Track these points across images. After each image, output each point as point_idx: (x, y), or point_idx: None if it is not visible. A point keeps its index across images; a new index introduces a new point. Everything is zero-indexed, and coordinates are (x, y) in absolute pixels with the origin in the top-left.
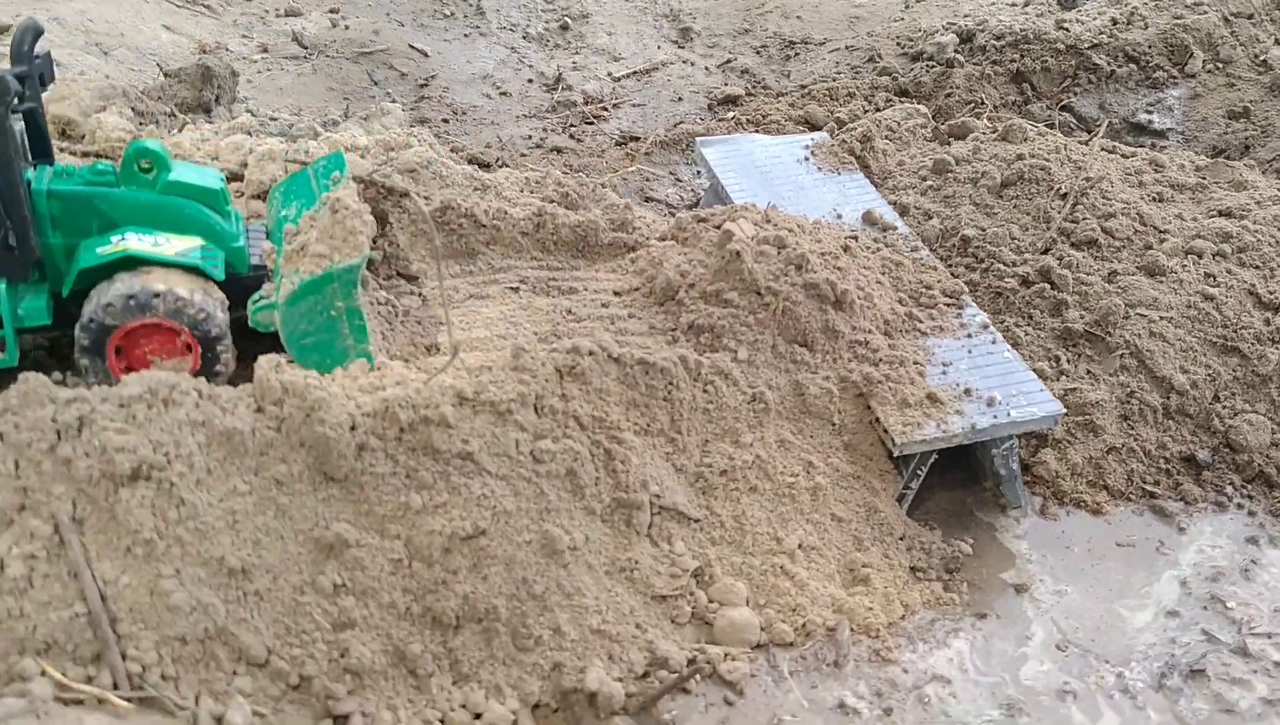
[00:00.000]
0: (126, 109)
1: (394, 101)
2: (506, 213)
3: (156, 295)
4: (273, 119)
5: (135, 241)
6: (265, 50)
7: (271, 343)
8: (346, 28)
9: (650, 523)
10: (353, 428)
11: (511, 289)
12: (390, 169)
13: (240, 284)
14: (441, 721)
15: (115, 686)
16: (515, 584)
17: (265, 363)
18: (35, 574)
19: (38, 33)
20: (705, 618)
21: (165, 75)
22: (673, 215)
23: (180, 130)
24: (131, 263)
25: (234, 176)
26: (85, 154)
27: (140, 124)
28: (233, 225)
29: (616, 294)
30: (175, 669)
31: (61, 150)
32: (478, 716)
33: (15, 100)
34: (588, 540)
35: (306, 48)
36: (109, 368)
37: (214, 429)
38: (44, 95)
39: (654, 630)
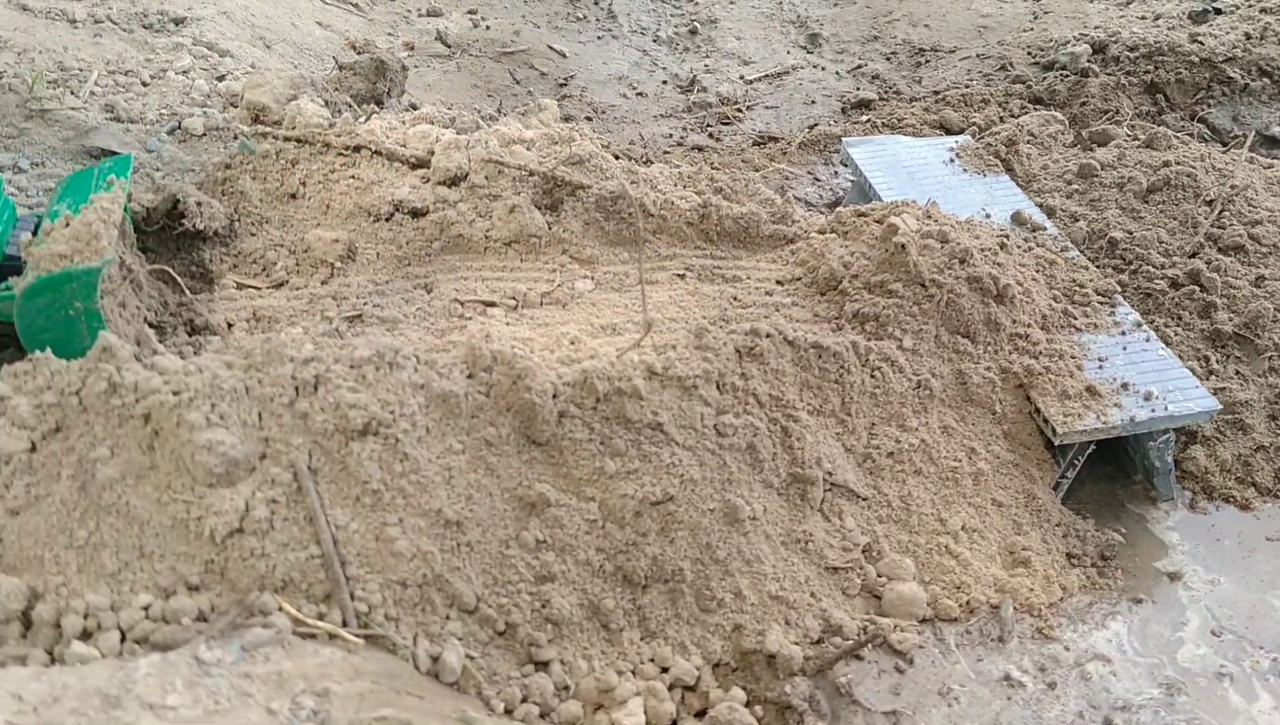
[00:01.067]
0: (317, 98)
1: (550, 98)
2: (673, 203)
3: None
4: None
5: None
6: (411, 48)
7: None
8: (488, 28)
9: (823, 498)
10: (555, 396)
11: (678, 276)
12: (559, 162)
13: None
14: (633, 672)
15: (345, 624)
16: (700, 548)
17: (476, 332)
18: (276, 517)
19: None
20: (874, 591)
21: (340, 68)
22: (820, 213)
23: (368, 119)
24: None
25: (421, 163)
26: (288, 139)
27: (335, 112)
28: None
29: (779, 283)
30: (397, 611)
31: (264, 134)
32: (665, 670)
33: None
34: (766, 511)
35: (450, 46)
36: None
37: (432, 391)
38: (219, 84)
39: (827, 599)
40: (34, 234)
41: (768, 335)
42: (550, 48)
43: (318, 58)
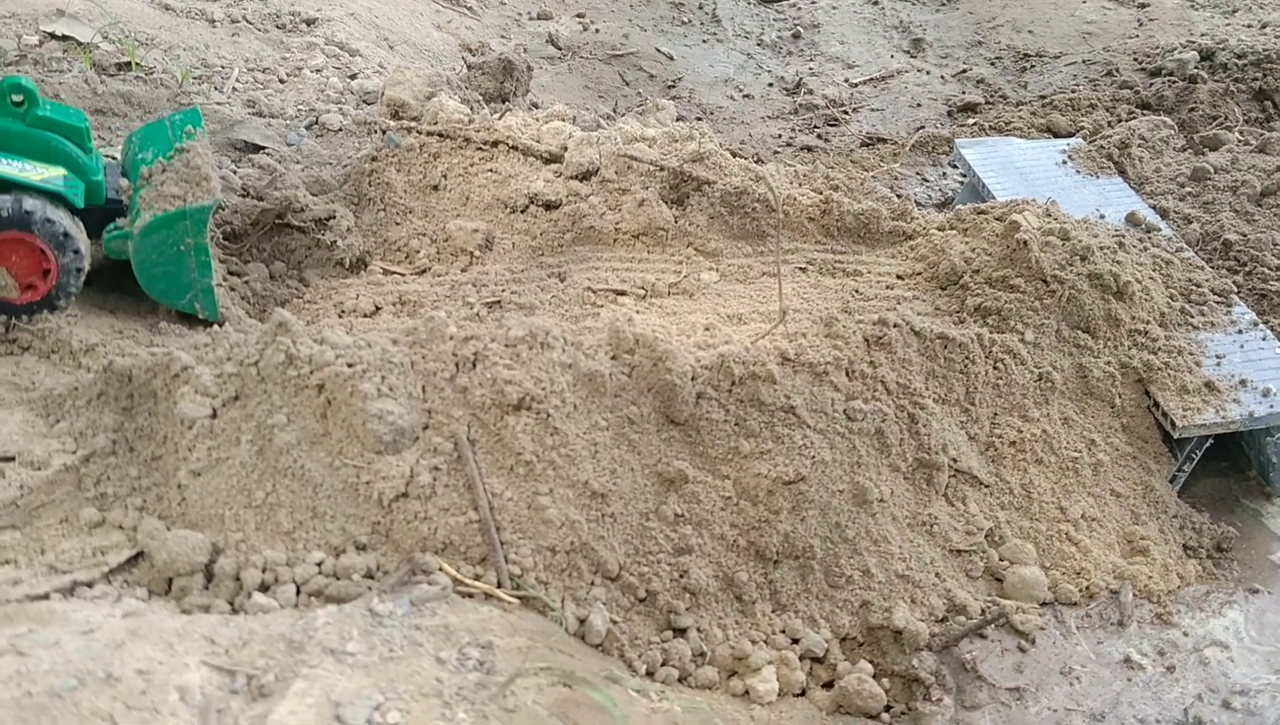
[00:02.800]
0: (454, 96)
1: (668, 99)
2: (795, 199)
3: (25, 211)
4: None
5: (3, 166)
6: (525, 50)
7: (123, 270)
8: (597, 31)
9: (947, 484)
10: (693, 378)
11: (800, 269)
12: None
13: (96, 214)
14: (766, 642)
15: (499, 585)
16: (829, 527)
17: (620, 316)
18: (437, 483)
19: None
20: (996, 574)
21: (469, 68)
22: (939, 211)
23: (502, 116)
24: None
25: (554, 158)
26: (430, 133)
27: (473, 108)
28: (93, 161)
29: (899, 277)
30: (546, 575)
31: (407, 129)
32: (795, 641)
33: None
34: (893, 494)
35: (561, 49)
36: None
37: (579, 371)
38: (352, 82)
39: (951, 580)
40: (127, 179)
41: (895, 325)
42: (658, 50)
43: (436, 58)
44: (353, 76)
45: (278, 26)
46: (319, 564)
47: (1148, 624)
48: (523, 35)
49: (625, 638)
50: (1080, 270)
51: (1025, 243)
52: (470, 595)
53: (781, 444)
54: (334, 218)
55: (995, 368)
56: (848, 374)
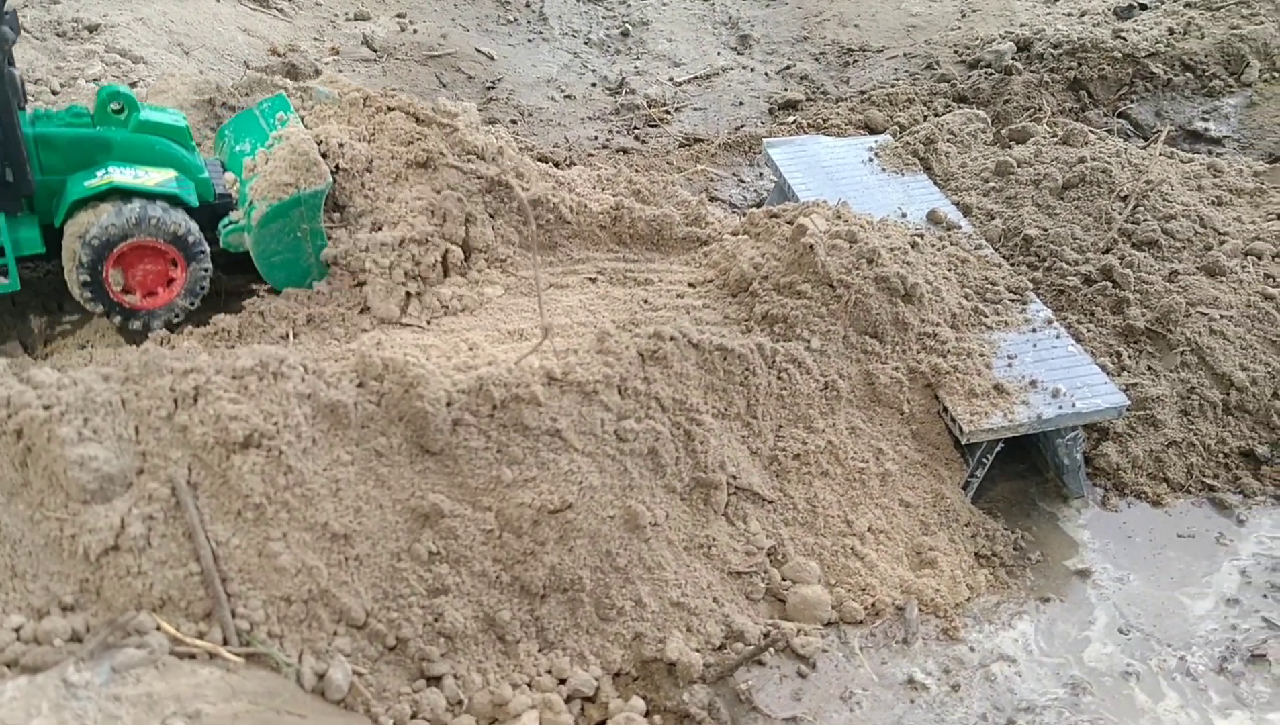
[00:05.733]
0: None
1: (473, 101)
2: (586, 206)
3: (147, 219)
4: None
5: (119, 174)
6: (337, 53)
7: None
8: (415, 31)
9: (727, 502)
10: (448, 404)
11: (590, 279)
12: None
13: (208, 211)
14: (529, 685)
15: (225, 642)
16: (599, 556)
17: (367, 341)
18: (153, 534)
19: None
20: (779, 594)
21: (251, 71)
22: (740, 214)
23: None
24: (116, 194)
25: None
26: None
27: None
28: (197, 159)
29: (691, 285)
30: (281, 627)
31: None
32: (563, 682)
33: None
34: (668, 517)
35: (376, 51)
36: (105, 289)
37: (319, 401)
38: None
39: (730, 605)
40: (228, 172)
41: (671, 338)
42: (478, 51)
43: (239, 63)
44: (133, 85)
45: (58, 34)
46: (17, 629)
47: (934, 641)
48: (338, 37)
49: (371, 691)
50: (867, 273)
51: (811, 247)
52: (192, 656)
53: (547, 470)
54: None
55: (779, 378)
56: (620, 392)
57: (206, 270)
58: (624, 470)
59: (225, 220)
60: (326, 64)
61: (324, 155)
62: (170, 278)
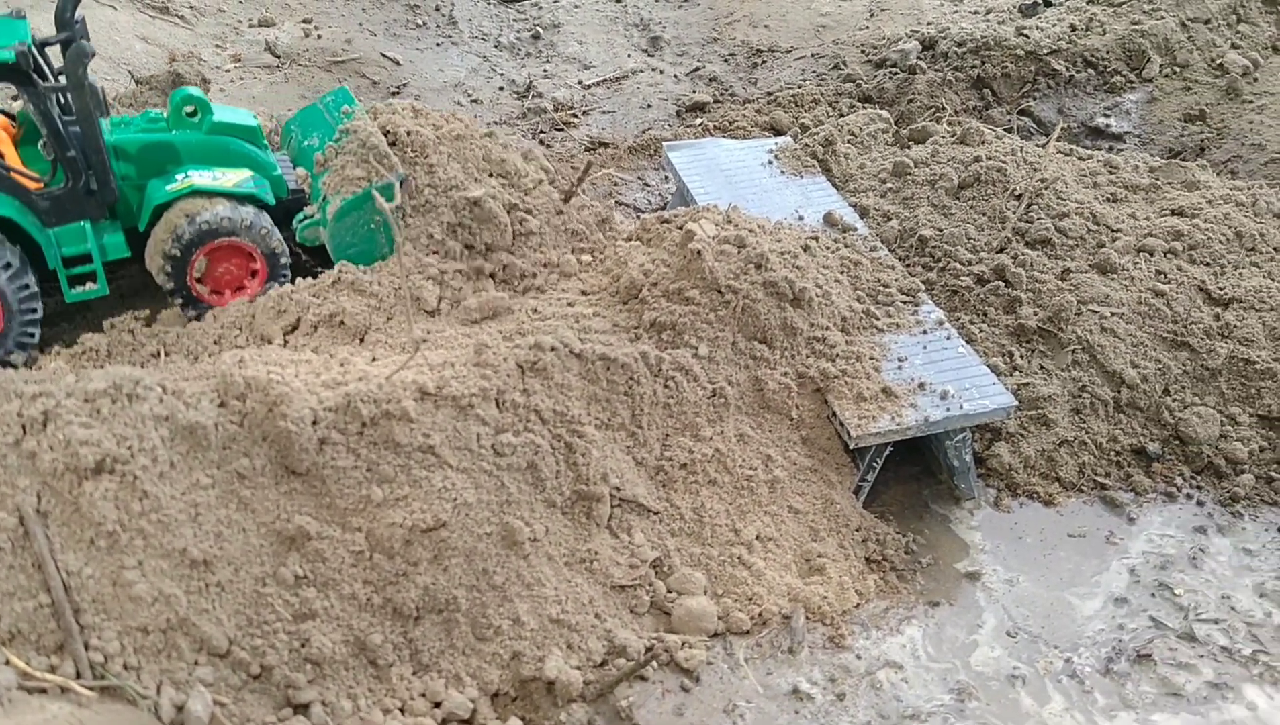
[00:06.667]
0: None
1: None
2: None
3: (229, 219)
4: None
5: (198, 177)
6: (238, 60)
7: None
8: (319, 37)
9: (610, 515)
10: (315, 422)
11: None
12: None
13: (282, 207)
14: (401, 710)
15: (78, 675)
16: (475, 575)
17: (229, 359)
18: (0, 565)
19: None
20: (664, 607)
21: (137, 82)
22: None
23: None
24: (197, 196)
25: None
26: None
27: None
28: (270, 157)
29: (584, 293)
30: (137, 659)
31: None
32: (437, 705)
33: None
34: (548, 532)
35: (279, 57)
36: (190, 289)
37: (177, 423)
38: (14, 104)
39: (612, 619)
40: (297, 168)
41: (552, 349)
42: (384, 55)
43: (136, 72)
44: (15, 98)
45: None
46: None
47: (820, 649)
48: (241, 44)
49: (234, 721)
50: (756, 279)
51: (699, 252)
52: (43, 690)
53: (419, 488)
54: None
55: (666, 386)
56: (498, 405)
57: (287, 271)
58: (501, 485)
59: (300, 216)
60: (227, 71)
61: (392, 145)
62: (242, 286)
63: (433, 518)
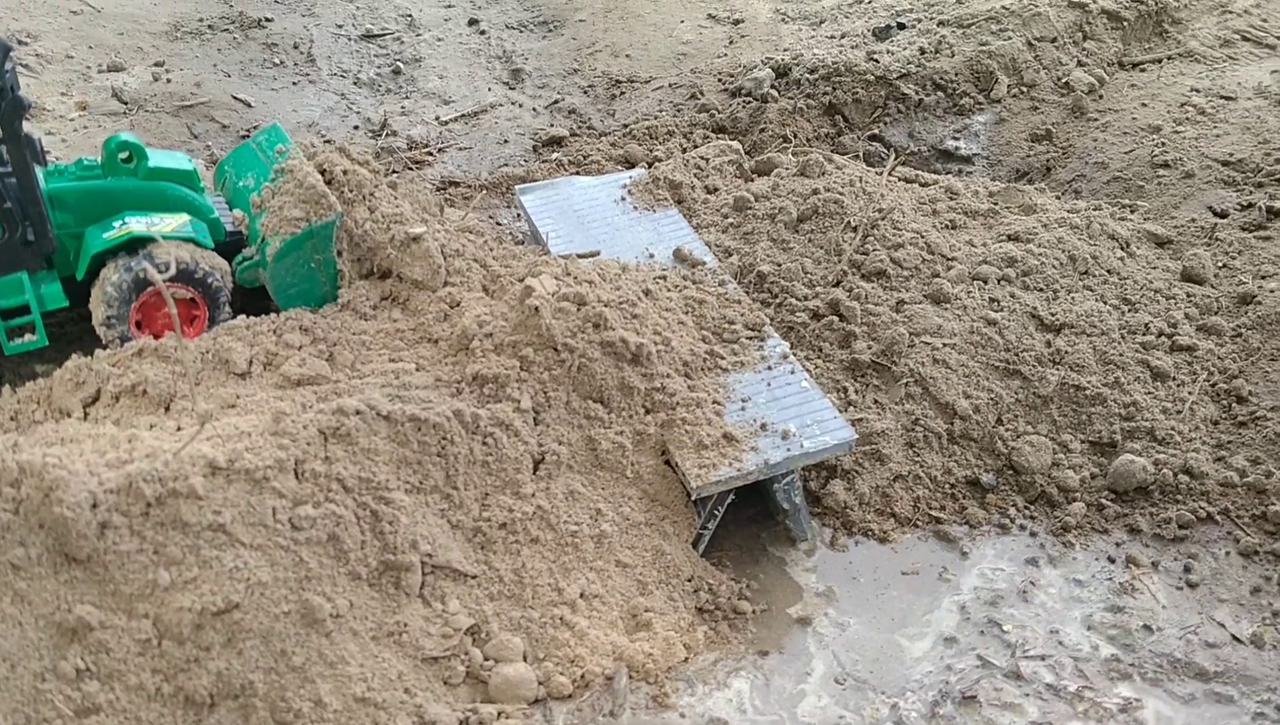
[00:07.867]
0: None
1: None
2: None
3: (167, 265)
4: None
5: (135, 224)
6: (84, 108)
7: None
8: (169, 81)
9: (422, 583)
10: (94, 506)
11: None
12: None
13: (220, 249)
14: None
15: None
16: (273, 657)
17: (3, 443)
18: None
19: (7, 50)
20: (480, 676)
21: None
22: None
23: None
24: (135, 242)
25: None
26: None
27: None
28: (206, 200)
29: (434, 342)
30: None
31: None
32: None
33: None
34: (352, 606)
35: (126, 103)
36: (132, 336)
37: None
38: None
39: (424, 694)
40: (234, 210)
41: (357, 412)
42: (235, 97)
43: None
44: None
45: None
46: None
47: (643, 709)
48: (89, 90)
49: None
50: (593, 338)
51: (536, 309)
52: None
53: (209, 569)
54: None
55: (484, 444)
56: (296, 475)
57: (228, 305)
58: (300, 560)
59: (239, 257)
60: (71, 120)
61: (328, 183)
62: (194, 316)
63: (224, 599)
